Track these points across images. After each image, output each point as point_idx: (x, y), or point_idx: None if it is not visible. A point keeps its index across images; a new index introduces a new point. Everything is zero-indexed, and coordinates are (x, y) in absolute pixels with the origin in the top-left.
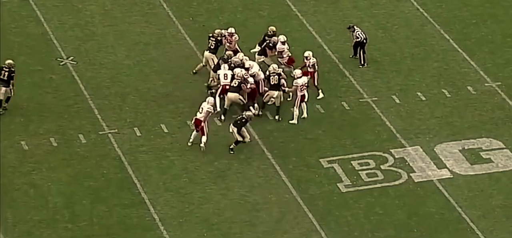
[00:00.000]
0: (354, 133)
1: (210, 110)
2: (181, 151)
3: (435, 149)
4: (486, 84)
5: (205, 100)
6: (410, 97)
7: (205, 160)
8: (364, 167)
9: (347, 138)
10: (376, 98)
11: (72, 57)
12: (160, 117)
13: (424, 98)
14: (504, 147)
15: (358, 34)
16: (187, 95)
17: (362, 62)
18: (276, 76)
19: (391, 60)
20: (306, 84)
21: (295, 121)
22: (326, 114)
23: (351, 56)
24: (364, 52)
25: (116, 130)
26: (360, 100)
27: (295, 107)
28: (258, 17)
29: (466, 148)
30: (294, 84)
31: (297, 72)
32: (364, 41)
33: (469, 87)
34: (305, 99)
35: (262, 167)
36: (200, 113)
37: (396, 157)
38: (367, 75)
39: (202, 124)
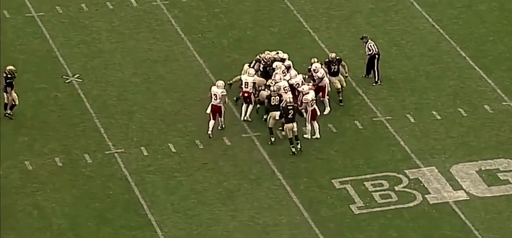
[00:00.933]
0: (367, 153)
1: (224, 93)
2: (189, 171)
3: (451, 170)
4: (503, 103)
5: (214, 85)
6: (425, 116)
7: (214, 181)
8: (378, 188)
9: (360, 158)
10: (390, 117)
11: (78, 75)
12: (167, 137)
13: (439, 118)
14: None
15: (370, 46)
16: (196, 114)
17: (376, 79)
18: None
19: (406, 78)
20: (314, 100)
21: (308, 135)
22: (338, 133)
23: (363, 75)
24: (377, 69)
25: (123, 149)
26: (374, 119)
27: (307, 123)
28: (269, 33)
29: (483, 169)
30: (303, 101)
31: (305, 87)
32: (376, 55)
33: (486, 106)
34: (317, 115)
35: (272, 187)
36: (216, 99)
37: (411, 177)
38: (381, 93)
39: (222, 109)
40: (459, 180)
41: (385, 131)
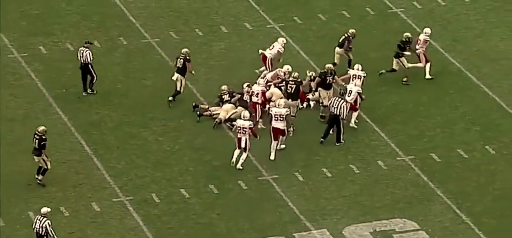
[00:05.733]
0: (252, 215)
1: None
2: None
3: (343, 232)
4: (398, 159)
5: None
6: (315, 174)
7: None
8: None
9: (245, 221)
10: (276, 176)
11: None
12: (28, 204)
13: (330, 175)
14: (419, 228)
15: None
16: (60, 178)
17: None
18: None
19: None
20: (246, 128)
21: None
22: (220, 194)
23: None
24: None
25: None
26: (259, 178)
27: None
28: (142, 86)
29: (377, 229)
30: (236, 124)
31: (245, 113)
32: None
33: (379, 162)
34: (242, 146)
35: None
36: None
37: None
38: (266, 150)
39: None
40: None
41: (271, 191)
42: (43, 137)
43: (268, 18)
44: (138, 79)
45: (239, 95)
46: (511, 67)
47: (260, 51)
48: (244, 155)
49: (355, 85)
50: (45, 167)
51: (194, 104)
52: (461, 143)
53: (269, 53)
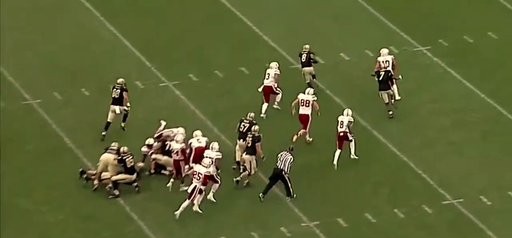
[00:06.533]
0: None
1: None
2: None
3: None
4: (302, 224)
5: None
6: None
7: None
8: None
9: None
10: None
11: None
12: None
13: None
14: None
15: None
16: None
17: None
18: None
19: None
20: (201, 174)
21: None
22: None
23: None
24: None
25: None
26: None
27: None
28: (22, 152)
29: None
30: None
31: (205, 160)
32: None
33: (282, 229)
34: (193, 196)
35: None
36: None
37: None
38: (160, 217)
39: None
40: None
41: None
42: None
43: (161, 75)
44: (18, 143)
45: (120, 157)
46: (420, 125)
47: (260, 90)
48: (199, 196)
49: (347, 115)
50: None
51: (81, 170)
52: (369, 206)
53: (269, 82)
